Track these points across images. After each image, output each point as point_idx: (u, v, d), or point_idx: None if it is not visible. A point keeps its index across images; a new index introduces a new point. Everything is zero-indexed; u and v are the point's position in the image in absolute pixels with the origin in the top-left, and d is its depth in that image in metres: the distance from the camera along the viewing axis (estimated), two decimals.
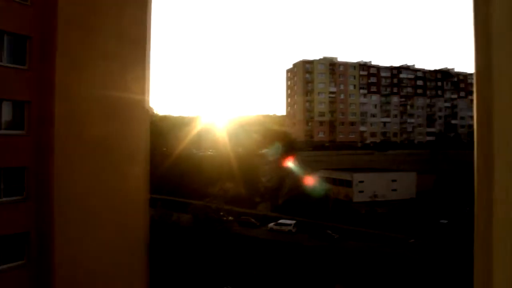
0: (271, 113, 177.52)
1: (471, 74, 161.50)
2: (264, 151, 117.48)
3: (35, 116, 18.13)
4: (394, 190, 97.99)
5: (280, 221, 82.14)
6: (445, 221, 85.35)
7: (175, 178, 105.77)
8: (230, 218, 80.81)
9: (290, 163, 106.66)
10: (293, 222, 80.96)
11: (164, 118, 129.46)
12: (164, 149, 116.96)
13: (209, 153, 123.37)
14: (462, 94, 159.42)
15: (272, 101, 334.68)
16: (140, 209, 18.29)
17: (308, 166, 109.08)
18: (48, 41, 17.80)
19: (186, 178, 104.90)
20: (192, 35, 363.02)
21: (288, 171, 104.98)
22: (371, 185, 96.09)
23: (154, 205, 58.71)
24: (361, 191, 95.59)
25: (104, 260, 16.52)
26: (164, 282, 52.45)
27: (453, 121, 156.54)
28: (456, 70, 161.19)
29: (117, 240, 16.86)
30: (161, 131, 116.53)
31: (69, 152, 16.70)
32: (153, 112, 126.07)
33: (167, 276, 54.31)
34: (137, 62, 19.40)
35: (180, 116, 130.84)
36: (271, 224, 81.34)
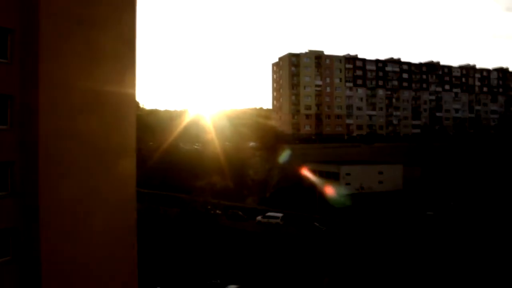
0: (257, 107, 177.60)
1: (456, 67, 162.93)
2: (251, 144, 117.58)
3: (19, 110, 17.89)
4: (381, 182, 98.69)
5: (268, 214, 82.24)
6: (431, 213, 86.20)
7: (163, 172, 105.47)
8: (218, 211, 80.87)
9: (276, 157, 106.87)
10: (280, 215, 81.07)
11: (151, 113, 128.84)
12: (151, 143, 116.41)
13: (196, 147, 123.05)
14: (447, 87, 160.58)
15: (258, 95, 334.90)
16: (127, 203, 18.19)
17: (295, 159, 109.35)
18: (31, 34, 17.50)
19: (174, 172, 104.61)
20: (179, 29, 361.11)
21: (275, 164, 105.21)
22: (358, 178, 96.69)
23: (141, 199, 58.33)
24: (348, 184, 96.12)
25: (92, 254, 16.43)
26: (153, 275, 52.39)
27: (438, 114, 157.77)
28: (442, 63, 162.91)
29: (105, 234, 16.76)
30: (148, 126, 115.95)
31: (55, 147, 16.52)
32: (140, 106, 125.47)
33: (155, 269, 54.25)
34: (124, 56, 19.20)
35: (167, 110, 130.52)
36: (259, 217, 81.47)
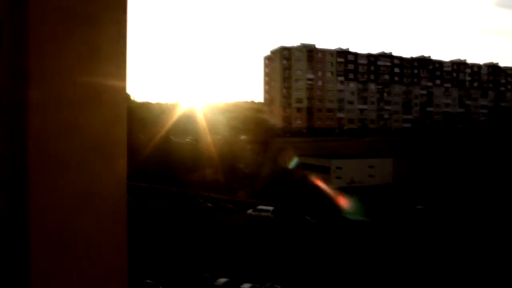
0: (249, 100, 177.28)
1: (447, 62, 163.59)
2: (242, 137, 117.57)
3: (6, 104, 17.58)
4: (371, 176, 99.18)
5: (259, 207, 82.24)
6: (421, 207, 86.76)
7: (154, 165, 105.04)
8: (208, 204, 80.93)
9: (268, 150, 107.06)
10: (271, 208, 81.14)
11: (143, 105, 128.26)
12: (142, 136, 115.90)
13: (187, 140, 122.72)
14: (438, 82, 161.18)
15: (250, 88, 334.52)
16: (118, 197, 17.94)
17: (285, 152, 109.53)
18: (21, 24, 17.20)
19: (165, 165, 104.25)
20: (171, 21, 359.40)
21: (267, 158, 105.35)
22: (348, 171, 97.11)
23: (132, 192, 58.42)
24: (338, 177, 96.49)
25: (81, 253, 16.20)
26: (143, 269, 52.37)
27: (428, 109, 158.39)
28: (433, 58, 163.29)
29: (95, 229, 16.53)
30: (140, 118, 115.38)
31: (44, 141, 16.29)
32: (131, 99, 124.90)
33: (146, 262, 54.19)
34: (115, 48, 18.90)
35: (158, 103, 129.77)
36: (249, 210, 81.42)
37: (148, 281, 52.44)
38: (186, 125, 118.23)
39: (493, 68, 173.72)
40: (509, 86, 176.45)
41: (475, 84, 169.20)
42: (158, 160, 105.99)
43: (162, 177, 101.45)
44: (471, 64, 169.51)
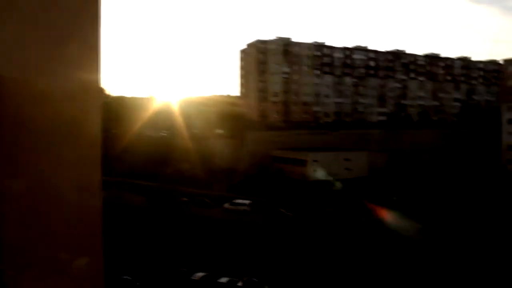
0: (225, 94, 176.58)
1: (421, 56, 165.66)
2: (218, 131, 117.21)
3: None
4: (347, 169, 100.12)
5: (235, 201, 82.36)
6: (395, 198, 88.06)
7: (129, 160, 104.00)
8: (184, 199, 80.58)
9: (244, 144, 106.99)
10: (248, 202, 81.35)
11: (118, 99, 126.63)
12: (116, 131, 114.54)
13: (163, 134, 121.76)
14: (412, 75, 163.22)
15: (226, 81, 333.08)
16: (92, 193, 17.53)
17: (263, 146, 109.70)
18: None
19: (140, 160, 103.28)
20: (146, 14, 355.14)
21: (243, 152, 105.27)
22: (325, 164, 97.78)
23: (107, 187, 57.81)
24: (315, 170, 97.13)
25: (54, 245, 15.84)
26: (119, 265, 51.93)
27: (403, 102, 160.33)
28: (407, 51, 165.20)
29: (69, 227, 16.13)
30: (115, 113, 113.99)
31: (10, 139, 15.83)
32: (106, 93, 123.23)
33: (122, 258, 53.76)
34: (88, 41, 18.49)
35: (133, 97, 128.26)
36: (226, 204, 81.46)
37: (125, 277, 52.14)
38: (162, 119, 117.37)
39: (465, 62, 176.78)
40: (480, 80, 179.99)
41: (448, 77, 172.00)
42: (134, 155, 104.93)
43: (138, 171, 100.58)
44: (444, 57, 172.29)
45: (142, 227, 62.90)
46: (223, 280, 53.20)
